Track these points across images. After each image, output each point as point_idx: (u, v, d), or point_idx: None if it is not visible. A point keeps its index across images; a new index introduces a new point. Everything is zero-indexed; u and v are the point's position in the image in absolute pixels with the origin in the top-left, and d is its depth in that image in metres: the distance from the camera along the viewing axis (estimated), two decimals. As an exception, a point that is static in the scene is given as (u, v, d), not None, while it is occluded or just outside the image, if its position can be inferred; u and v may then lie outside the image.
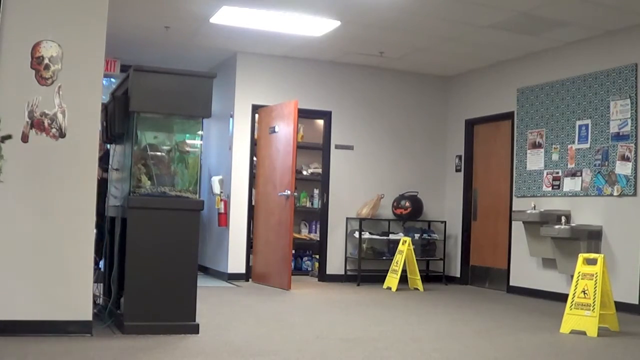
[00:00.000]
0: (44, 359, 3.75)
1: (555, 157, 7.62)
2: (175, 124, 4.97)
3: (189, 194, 4.83)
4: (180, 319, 4.61)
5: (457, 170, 9.30)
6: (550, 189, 7.65)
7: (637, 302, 6.42)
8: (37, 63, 4.31)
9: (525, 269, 7.89)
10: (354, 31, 7.51)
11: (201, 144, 5.15)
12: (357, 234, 8.67)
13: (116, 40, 7.00)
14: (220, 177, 8.60)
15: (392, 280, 8.07)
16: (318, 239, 9.07)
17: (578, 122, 7.33)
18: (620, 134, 6.80)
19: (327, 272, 8.72)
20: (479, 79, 9.01)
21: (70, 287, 4.31)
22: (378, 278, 8.38)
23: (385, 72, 9.19)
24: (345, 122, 8.99)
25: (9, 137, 4.24)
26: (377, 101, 9.18)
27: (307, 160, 9.53)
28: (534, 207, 7.61)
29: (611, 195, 6.85)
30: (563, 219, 7.15)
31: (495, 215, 8.62)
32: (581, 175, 7.24)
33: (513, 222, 8.04)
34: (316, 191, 9.32)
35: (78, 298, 4.34)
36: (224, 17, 7.08)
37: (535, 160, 7.91)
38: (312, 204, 9.45)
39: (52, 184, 4.32)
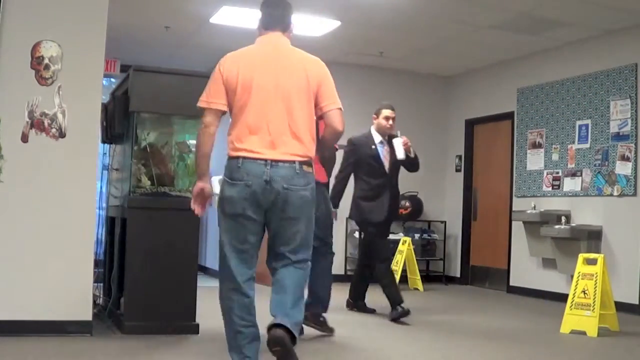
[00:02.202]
0: (44, 359, 3.75)
1: (555, 157, 7.62)
2: (175, 124, 4.96)
3: (189, 194, 4.83)
4: (180, 319, 4.61)
5: (457, 170, 9.30)
6: (550, 189, 7.65)
7: (637, 302, 6.42)
8: (37, 63, 4.31)
9: (525, 269, 7.89)
10: (354, 31, 7.51)
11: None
12: (357, 234, 8.66)
13: (116, 40, 7.00)
14: (221, 177, 8.43)
15: (392, 280, 8.06)
16: (318, 239, 9.05)
17: (578, 122, 7.33)
18: (620, 134, 6.81)
19: (327, 272, 8.70)
20: (479, 79, 9.01)
21: (70, 287, 4.31)
22: (378, 278, 8.37)
23: (385, 72, 9.19)
24: (344, 122, 8.98)
25: None
26: (377, 101, 9.13)
27: (307, 160, 9.51)
28: (534, 207, 7.61)
29: (611, 195, 6.85)
30: (563, 219, 7.15)
31: (495, 215, 8.62)
32: (581, 175, 7.24)
33: (513, 222, 8.04)
34: (316, 191, 9.32)
35: (78, 298, 4.34)
36: (224, 17, 7.07)
37: (535, 160, 7.91)
38: (312, 204, 9.44)
39: (52, 184, 4.32)
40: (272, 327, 3.02)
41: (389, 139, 5.83)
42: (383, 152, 5.81)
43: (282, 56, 3.45)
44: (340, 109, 3.47)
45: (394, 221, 6.25)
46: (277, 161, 3.17)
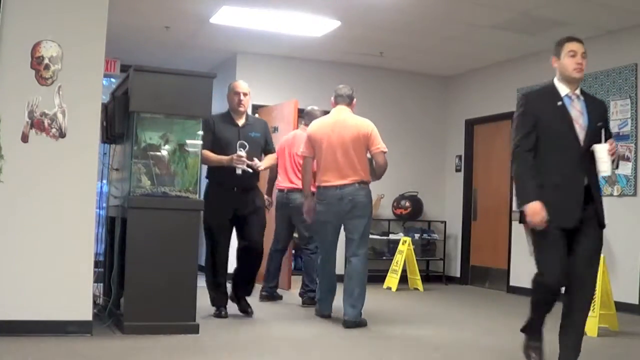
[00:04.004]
0: (43, 359, 3.75)
1: (555, 157, 7.61)
2: (175, 124, 4.96)
3: (189, 194, 4.83)
4: (180, 319, 4.60)
5: (457, 170, 9.30)
6: (550, 189, 7.64)
7: (637, 302, 6.42)
8: (37, 63, 4.31)
9: (525, 269, 7.86)
10: (354, 31, 7.51)
11: (201, 144, 5.15)
12: (357, 234, 8.65)
13: (116, 40, 7.00)
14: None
15: (392, 280, 8.07)
16: (318, 239, 9.07)
17: (578, 122, 7.33)
18: (620, 134, 6.81)
19: (327, 272, 8.71)
20: (479, 79, 9.01)
21: (70, 287, 4.31)
22: (378, 278, 8.37)
23: (385, 72, 9.19)
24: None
25: None
26: (377, 101, 9.17)
27: (307, 160, 9.51)
28: (534, 207, 7.60)
29: (611, 195, 6.85)
30: (563, 219, 7.13)
31: (495, 215, 8.62)
32: (581, 175, 7.23)
33: (513, 222, 8.04)
34: (316, 191, 9.32)
35: (78, 298, 4.34)
36: (224, 17, 7.08)
37: (535, 160, 7.90)
38: (312, 204, 9.43)
39: (52, 184, 4.32)
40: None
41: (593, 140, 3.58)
42: (574, 112, 3.61)
43: (343, 122, 5.45)
44: (381, 151, 5.37)
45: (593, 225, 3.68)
46: (344, 185, 5.27)
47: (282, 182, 6.58)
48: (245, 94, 5.47)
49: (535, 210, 3.58)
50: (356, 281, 5.31)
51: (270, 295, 6.58)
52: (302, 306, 6.27)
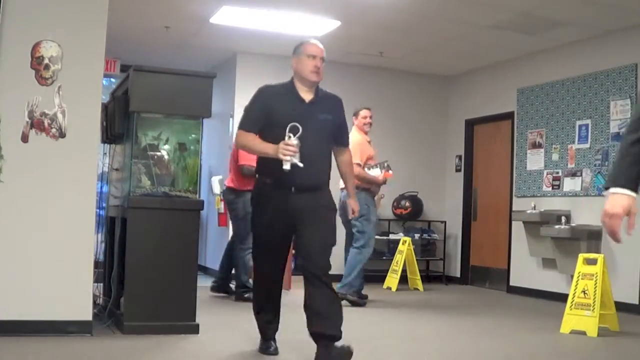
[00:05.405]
0: (44, 359, 3.75)
1: (555, 157, 7.62)
2: (175, 124, 4.96)
3: (189, 194, 4.83)
4: (180, 319, 4.60)
5: (457, 170, 9.30)
6: (550, 189, 7.65)
7: (637, 302, 6.41)
8: (37, 63, 4.31)
9: (525, 269, 7.89)
10: (354, 31, 7.51)
11: (201, 144, 5.14)
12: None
13: (116, 40, 7.00)
14: (220, 177, 8.59)
15: (392, 280, 8.07)
16: (318, 239, 9.06)
17: (578, 122, 7.33)
18: (620, 134, 6.80)
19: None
20: (479, 79, 9.01)
21: (70, 287, 4.32)
22: (378, 278, 8.37)
23: (385, 72, 9.19)
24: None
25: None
26: (377, 101, 9.14)
27: (307, 160, 9.51)
28: (534, 207, 7.61)
29: (610, 194, 6.84)
30: (563, 219, 7.14)
31: (495, 215, 8.62)
32: (581, 175, 7.24)
33: (513, 222, 8.04)
34: (316, 191, 9.31)
35: (78, 298, 4.34)
36: (224, 17, 7.08)
37: (535, 160, 7.91)
38: (312, 204, 9.43)
39: (52, 184, 4.32)
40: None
41: None
42: None
43: None
44: (355, 163, 5.25)
45: None
46: (342, 189, 5.79)
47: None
48: (322, 59, 3.93)
49: (616, 204, 2.12)
50: (349, 265, 6.46)
51: (219, 287, 6.85)
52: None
